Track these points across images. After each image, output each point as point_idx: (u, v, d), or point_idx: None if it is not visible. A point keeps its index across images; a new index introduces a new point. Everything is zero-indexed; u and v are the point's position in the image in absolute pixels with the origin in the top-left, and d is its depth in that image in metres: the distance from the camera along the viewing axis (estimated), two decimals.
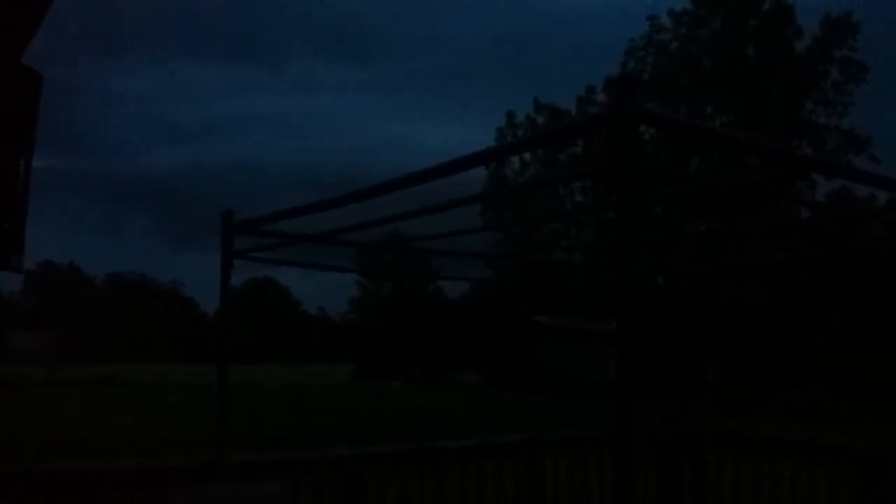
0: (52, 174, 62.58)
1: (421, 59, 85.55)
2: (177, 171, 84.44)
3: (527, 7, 69.92)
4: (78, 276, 78.86)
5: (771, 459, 5.04)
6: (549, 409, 20.61)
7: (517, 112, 37.05)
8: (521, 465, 4.93)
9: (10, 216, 3.03)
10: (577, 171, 30.57)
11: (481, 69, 70.43)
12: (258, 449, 8.01)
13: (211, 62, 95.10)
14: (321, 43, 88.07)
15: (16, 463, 6.30)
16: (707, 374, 25.30)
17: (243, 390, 19.21)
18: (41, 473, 3.75)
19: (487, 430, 13.14)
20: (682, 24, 30.89)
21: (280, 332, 75.83)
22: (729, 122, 29.80)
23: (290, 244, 4.69)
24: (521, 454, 5.01)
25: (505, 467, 4.88)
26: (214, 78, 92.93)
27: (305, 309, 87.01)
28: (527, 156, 35.52)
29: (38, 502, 3.48)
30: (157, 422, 16.55)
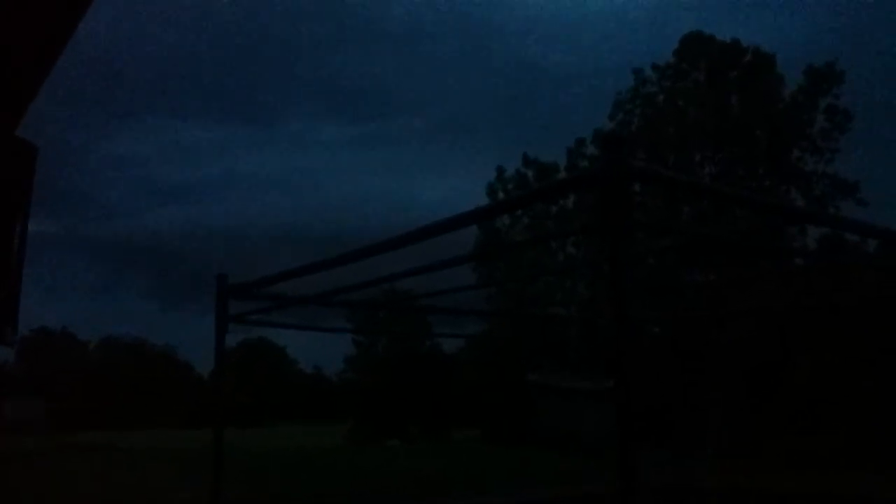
0: (45, 238, 62.63)
1: (413, 115, 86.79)
2: (171, 232, 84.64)
3: (517, 63, 71.19)
4: (71, 342, 78.22)
5: None
6: (547, 464, 20.38)
7: (507, 166, 37.42)
8: None
9: (3, 287, 3.04)
10: (568, 227, 30.79)
11: (473, 124, 71.46)
12: None
13: (204, 123, 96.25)
14: (315, 101, 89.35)
15: None
16: (709, 421, 25.11)
17: (239, 456, 18.94)
18: None
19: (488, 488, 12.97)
20: (666, 77, 31.46)
21: (276, 392, 75.08)
22: (718, 172, 30.14)
23: (285, 307, 4.70)
24: None
25: None
26: (208, 138, 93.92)
27: (301, 368, 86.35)
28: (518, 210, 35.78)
29: None
30: (148, 492, 16.25)
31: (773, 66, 30.08)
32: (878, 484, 13.81)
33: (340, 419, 48.99)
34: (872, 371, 22.08)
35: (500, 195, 36.07)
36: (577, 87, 59.28)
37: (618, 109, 32.10)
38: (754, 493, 13.71)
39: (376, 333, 42.24)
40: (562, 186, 4.74)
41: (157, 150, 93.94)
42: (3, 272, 3.03)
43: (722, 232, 20.57)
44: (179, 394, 71.94)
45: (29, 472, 20.64)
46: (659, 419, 25.71)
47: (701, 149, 30.94)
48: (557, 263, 32.81)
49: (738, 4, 58.92)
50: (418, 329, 38.95)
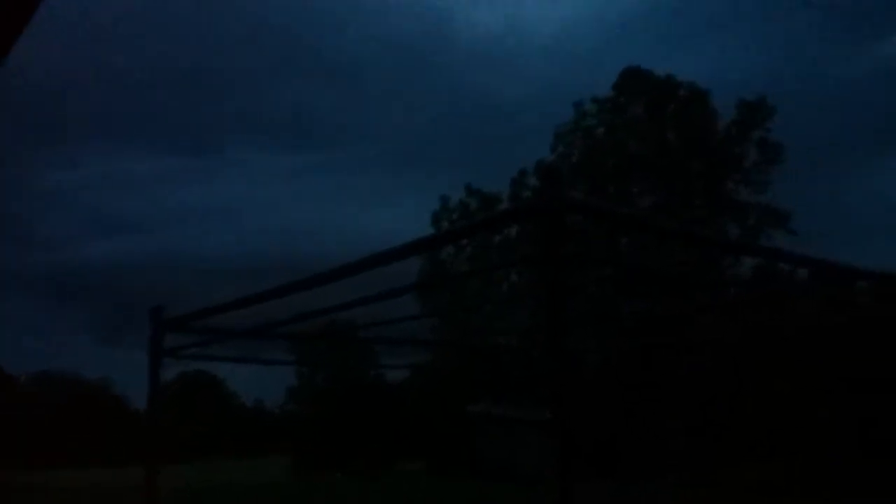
0: None
1: (359, 145, 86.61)
2: (109, 264, 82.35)
3: (461, 95, 71.96)
4: (0, 376, 75.21)
5: None
6: (488, 497, 20.31)
7: (453, 196, 37.67)
8: None
9: None
10: (510, 258, 30.96)
11: (418, 154, 71.71)
12: None
13: (144, 153, 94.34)
14: (258, 132, 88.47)
15: None
16: (669, 451, 25.35)
17: (177, 493, 18.38)
18: None
19: None
20: (605, 111, 32.20)
21: (216, 426, 73.33)
22: (655, 203, 30.84)
23: (223, 340, 4.61)
24: None
25: None
26: (148, 168, 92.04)
27: (242, 401, 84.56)
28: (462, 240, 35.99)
29: None
30: None
31: (707, 100, 31.07)
32: None
33: (282, 452, 48.06)
34: (828, 400, 22.56)
35: (445, 224, 36.23)
36: (519, 118, 60.14)
37: (559, 141, 32.69)
38: None
39: (318, 365, 41.71)
40: (502, 218, 4.79)
41: (94, 180, 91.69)
42: None
43: (660, 263, 21.03)
44: (115, 429, 69.68)
45: None
46: (605, 449, 25.90)
47: (640, 180, 31.66)
48: (500, 293, 33.00)
49: (674, 41, 60.81)
50: (362, 359, 38.62)
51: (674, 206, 30.25)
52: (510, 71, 71.98)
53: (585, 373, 26.50)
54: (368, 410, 41.03)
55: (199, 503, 20.81)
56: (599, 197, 29.69)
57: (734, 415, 25.16)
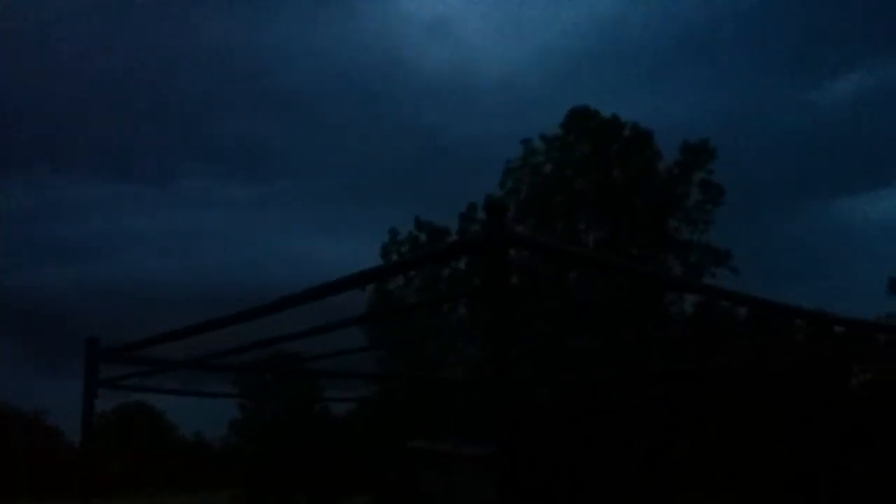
0: None
1: (310, 177, 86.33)
2: (50, 292, 79.92)
3: (412, 130, 72.50)
4: None
5: None
6: None
7: (401, 229, 37.67)
8: None
9: None
10: (457, 291, 31.04)
11: (369, 187, 71.71)
12: None
13: (90, 180, 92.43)
14: (208, 161, 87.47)
15: None
16: (621, 485, 25.43)
17: None
18: None
19: None
20: (553, 148, 32.72)
21: (154, 460, 71.18)
22: (601, 239, 31.32)
23: (162, 371, 4.51)
24: None
25: None
26: (94, 195, 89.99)
27: (182, 434, 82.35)
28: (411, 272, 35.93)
29: None
30: None
31: (650, 141, 31.83)
32: None
33: (223, 487, 46.89)
34: (784, 436, 22.91)
35: (394, 257, 36.17)
36: (468, 154, 60.80)
37: (507, 177, 33.04)
38: None
39: (260, 398, 41.00)
40: (447, 251, 4.84)
41: (37, 206, 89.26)
42: None
43: (606, 298, 21.31)
44: (49, 462, 67.12)
45: None
46: (555, 482, 25.88)
47: (586, 217, 32.15)
48: (448, 326, 32.99)
49: (619, 83, 62.37)
50: (307, 392, 38.10)
51: (619, 243, 30.76)
52: (459, 107, 72.97)
53: (535, 406, 26.56)
54: (313, 444, 40.38)
55: None
56: (547, 233, 30.06)
57: (683, 448, 25.46)
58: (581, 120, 32.41)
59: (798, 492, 21.52)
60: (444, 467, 29.00)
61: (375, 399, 32.50)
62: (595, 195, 31.14)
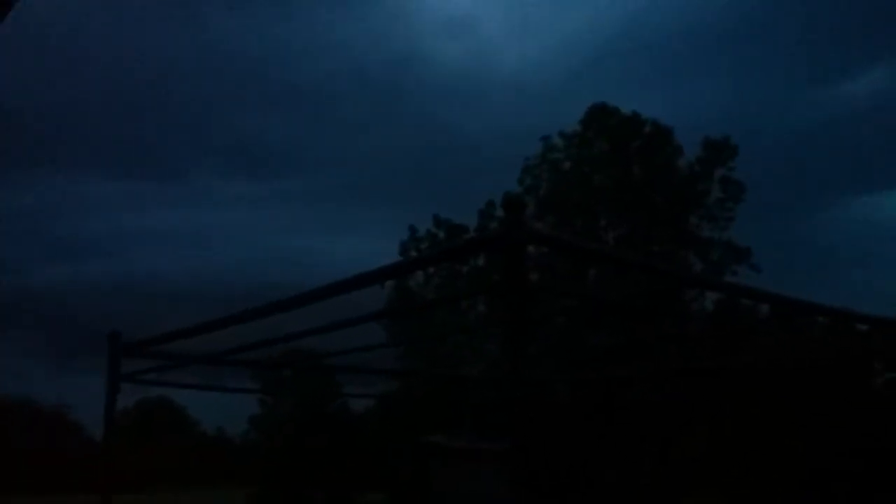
0: None
1: (327, 174, 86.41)
2: (68, 288, 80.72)
3: (429, 127, 72.40)
4: None
5: None
6: None
7: (420, 227, 37.70)
8: None
9: None
10: (475, 287, 31.00)
11: (387, 185, 71.66)
12: None
13: (106, 176, 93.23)
14: (224, 158, 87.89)
15: None
16: (635, 482, 25.37)
17: None
18: None
19: None
20: (572, 145, 32.61)
21: (175, 455, 71.81)
22: (621, 236, 31.19)
23: (182, 366, 4.55)
24: None
25: None
26: (110, 192, 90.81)
27: (203, 429, 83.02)
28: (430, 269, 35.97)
29: None
30: None
31: (670, 138, 31.65)
32: None
33: (243, 483, 47.17)
34: (801, 434, 22.76)
35: (413, 254, 36.21)
36: (487, 151, 60.61)
37: (526, 174, 32.99)
38: None
39: (279, 394, 41.19)
40: (465, 248, 4.83)
41: (53, 203, 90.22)
42: None
43: (624, 295, 21.22)
44: (70, 457, 67.94)
45: None
46: (569, 480, 25.84)
47: (606, 214, 32.03)
48: (467, 323, 33.00)
49: (639, 79, 61.96)
50: (326, 388, 38.24)
51: (639, 240, 30.63)
52: (477, 104, 72.79)
53: (554, 403, 26.53)
54: (331, 441, 40.53)
55: None
56: (566, 229, 29.97)
57: (699, 446, 25.34)
58: (600, 117, 32.29)
59: (814, 490, 21.33)
60: (459, 463, 29.06)
61: (394, 396, 32.58)
62: (614, 192, 31.01)
